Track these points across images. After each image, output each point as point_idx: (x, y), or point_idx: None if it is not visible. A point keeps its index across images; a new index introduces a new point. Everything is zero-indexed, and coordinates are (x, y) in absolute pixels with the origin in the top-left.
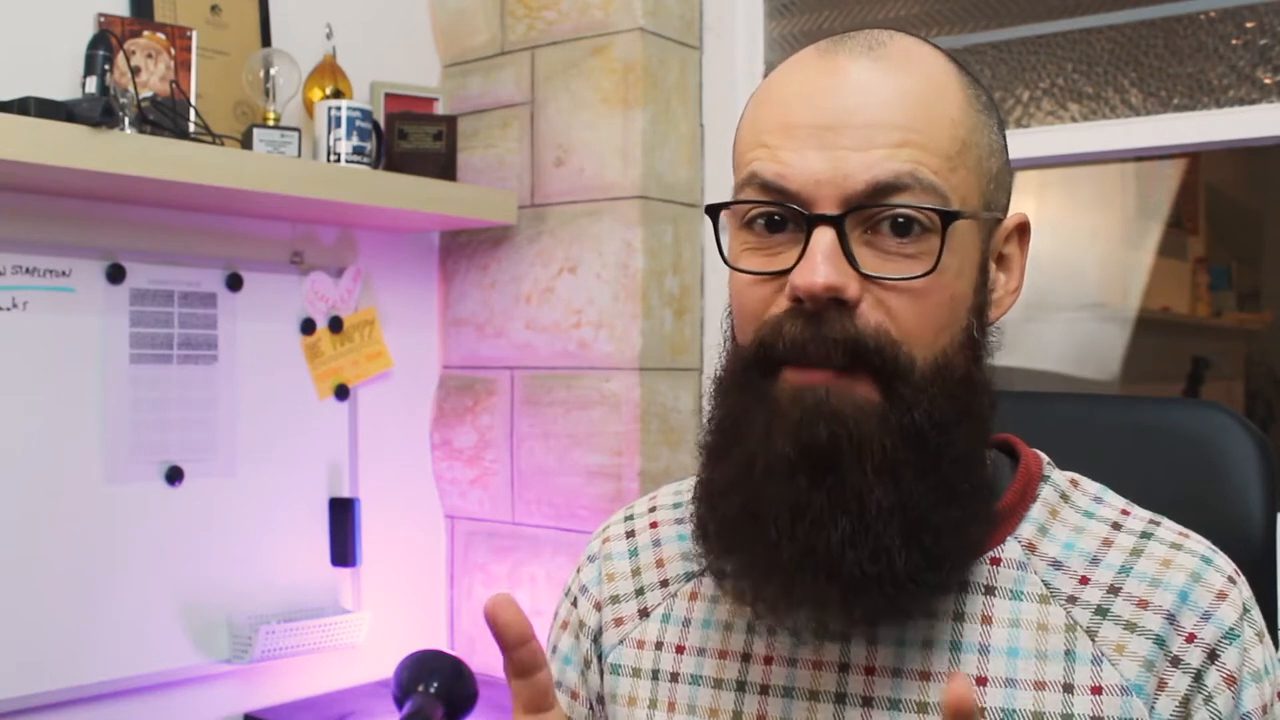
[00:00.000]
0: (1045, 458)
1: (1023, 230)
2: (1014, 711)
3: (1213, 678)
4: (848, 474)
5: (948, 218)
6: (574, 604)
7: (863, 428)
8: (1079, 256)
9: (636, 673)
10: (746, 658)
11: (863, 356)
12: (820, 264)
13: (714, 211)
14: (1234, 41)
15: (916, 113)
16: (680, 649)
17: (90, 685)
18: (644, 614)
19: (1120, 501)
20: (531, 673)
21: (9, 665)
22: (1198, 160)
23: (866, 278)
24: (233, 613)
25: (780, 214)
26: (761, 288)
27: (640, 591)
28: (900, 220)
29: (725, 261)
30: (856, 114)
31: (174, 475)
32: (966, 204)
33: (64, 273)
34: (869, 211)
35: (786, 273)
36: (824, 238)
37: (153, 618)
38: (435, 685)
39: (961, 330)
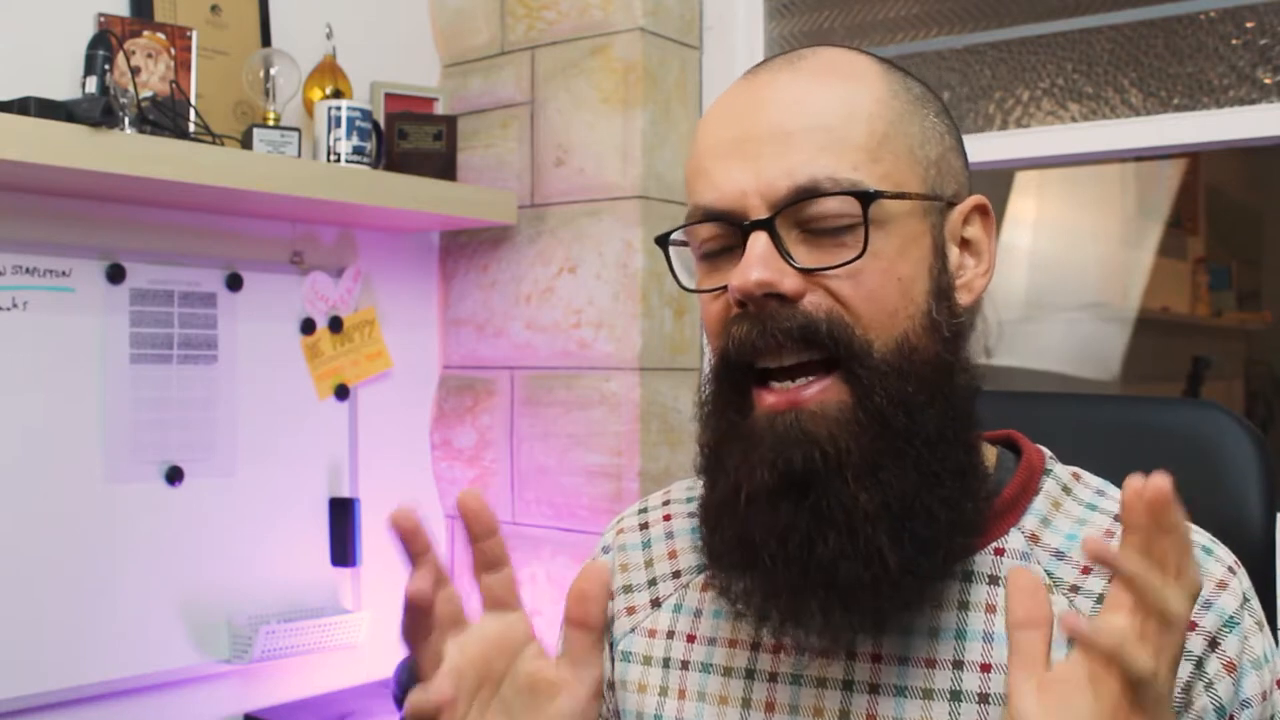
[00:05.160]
0: (1048, 453)
1: (983, 212)
2: None
3: (1213, 665)
4: (829, 488)
5: (866, 199)
6: None
7: (837, 441)
8: (1079, 256)
9: (647, 660)
10: (756, 646)
11: (815, 340)
12: (753, 264)
13: (662, 242)
14: (1234, 41)
15: (830, 110)
16: (691, 638)
17: (90, 685)
18: (656, 604)
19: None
20: (498, 567)
21: (9, 665)
22: (1198, 160)
23: (805, 272)
24: (233, 613)
25: (725, 238)
26: (717, 304)
27: (653, 582)
28: (830, 213)
29: (681, 286)
30: (775, 123)
31: (174, 475)
32: (900, 189)
33: (64, 273)
34: (799, 211)
35: None
36: (758, 242)
37: (153, 618)
38: None
39: (922, 313)
